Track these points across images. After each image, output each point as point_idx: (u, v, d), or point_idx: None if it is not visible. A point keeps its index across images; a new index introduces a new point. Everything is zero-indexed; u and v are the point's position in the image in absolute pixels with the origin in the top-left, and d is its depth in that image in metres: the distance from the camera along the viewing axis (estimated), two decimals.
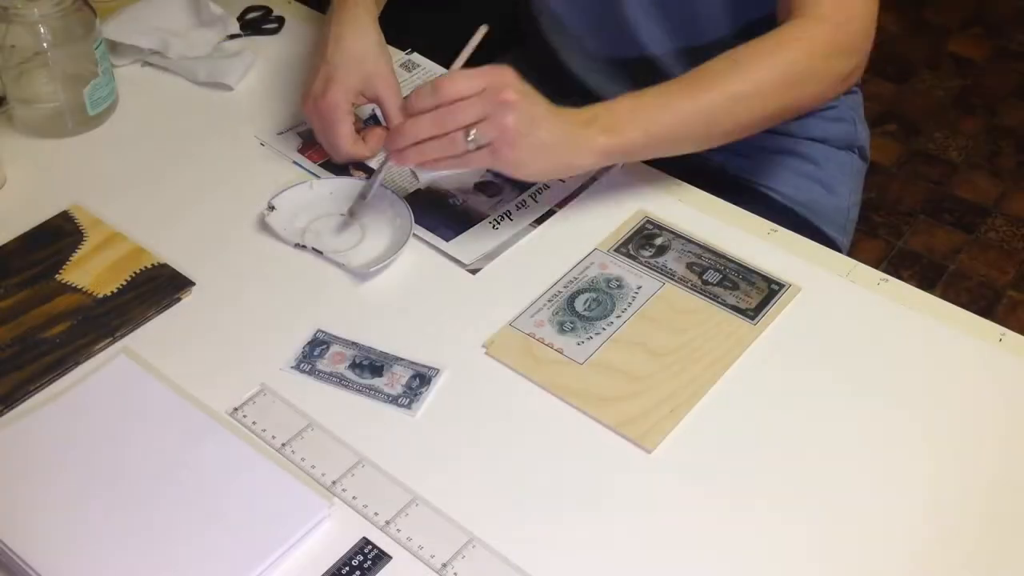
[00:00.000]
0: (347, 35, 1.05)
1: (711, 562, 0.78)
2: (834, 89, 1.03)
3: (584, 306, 0.94)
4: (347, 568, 0.76)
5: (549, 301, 0.95)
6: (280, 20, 1.29)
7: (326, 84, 1.03)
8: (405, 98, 1.10)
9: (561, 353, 0.91)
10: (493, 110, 0.90)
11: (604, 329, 0.92)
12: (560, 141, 0.94)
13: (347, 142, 1.04)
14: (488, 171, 1.08)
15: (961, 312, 0.95)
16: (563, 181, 1.06)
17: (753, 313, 0.94)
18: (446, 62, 1.21)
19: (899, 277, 0.98)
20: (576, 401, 0.87)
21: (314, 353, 0.91)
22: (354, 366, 0.90)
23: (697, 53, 1.04)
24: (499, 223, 1.03)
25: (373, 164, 1.08)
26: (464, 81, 0.91)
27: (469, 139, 0.91)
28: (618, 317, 0.93)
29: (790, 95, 0.99)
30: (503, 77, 0.92)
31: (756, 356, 0.91)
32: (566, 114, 0.95)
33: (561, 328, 0.93)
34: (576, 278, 0.97)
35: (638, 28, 1.15)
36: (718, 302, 0.95)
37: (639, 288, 0.96)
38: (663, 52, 1.16)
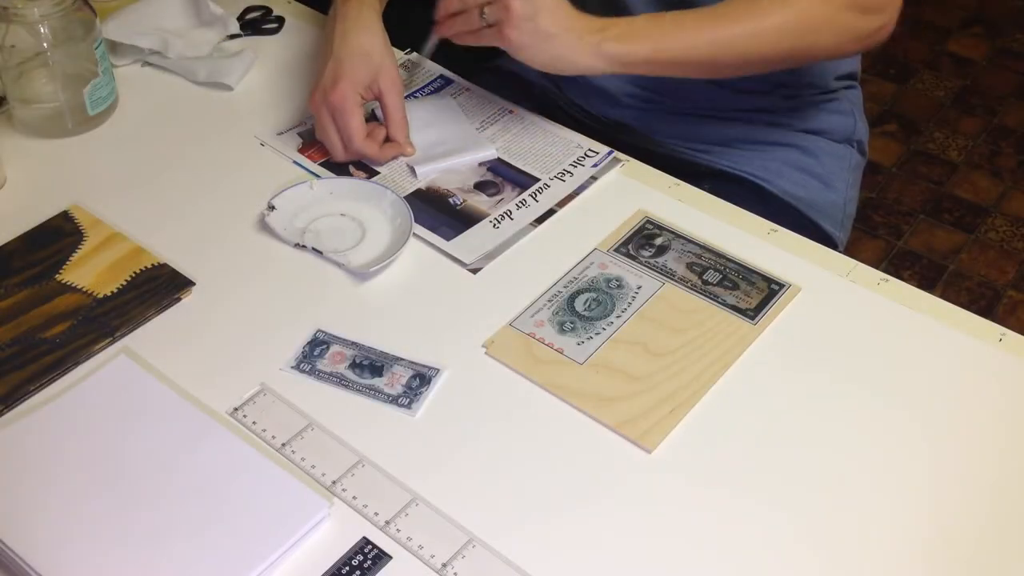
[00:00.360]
0: (353, 32, 1.07)
1: (711, 562, 0.78)
2: (851, 45, 1.06)
3: (584, 306, 0.94)
4: (347, 568, 0.76)
5: (549, 301, 0.95)
6: (280, 20, 1.28)
7: (335, 78, 1.04)
8: (406, 97, 1.11)
9: (561, 353, 0.91)
10: None
11: (604, 329, 0.92)
12: (563, 34, 1.00)
13: (360, 135, 1.05)
14: (488, 170, 1.08)
15: (961, 312, 0.95)
16: (563, 180, 1.06)
17: (753, 313, 0.94)
18: (446, 62, 1.21)
19: (899, 277, 0.98)
20: (576, 401, 0.87)
21: (314, 353, 0.91)
22: (354, 366, 0.90)
23: None
24: (499, 223, 1.03)
25: (379, 169, 1.08)
26: None
27: (483, 16, 1.00)
28: (618, 317, 0.93)
29: (802, 41, 1.03)
30: None
31: (756, 356, 0.91)
32: (579, 15, 1.01)
33: (561, 328, 0.93)
34: (576, 278, 0.97)
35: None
36: (718, 302, 0.95)
37: (639, 288, 0.96)
38: None
